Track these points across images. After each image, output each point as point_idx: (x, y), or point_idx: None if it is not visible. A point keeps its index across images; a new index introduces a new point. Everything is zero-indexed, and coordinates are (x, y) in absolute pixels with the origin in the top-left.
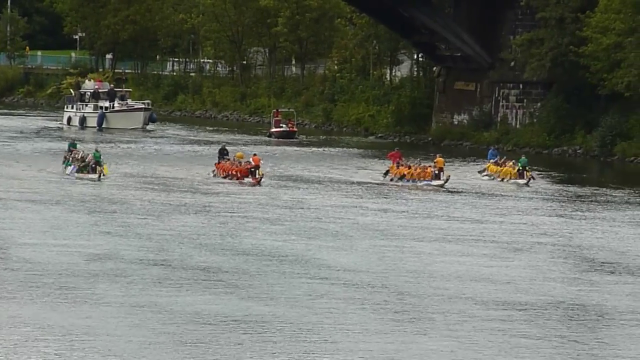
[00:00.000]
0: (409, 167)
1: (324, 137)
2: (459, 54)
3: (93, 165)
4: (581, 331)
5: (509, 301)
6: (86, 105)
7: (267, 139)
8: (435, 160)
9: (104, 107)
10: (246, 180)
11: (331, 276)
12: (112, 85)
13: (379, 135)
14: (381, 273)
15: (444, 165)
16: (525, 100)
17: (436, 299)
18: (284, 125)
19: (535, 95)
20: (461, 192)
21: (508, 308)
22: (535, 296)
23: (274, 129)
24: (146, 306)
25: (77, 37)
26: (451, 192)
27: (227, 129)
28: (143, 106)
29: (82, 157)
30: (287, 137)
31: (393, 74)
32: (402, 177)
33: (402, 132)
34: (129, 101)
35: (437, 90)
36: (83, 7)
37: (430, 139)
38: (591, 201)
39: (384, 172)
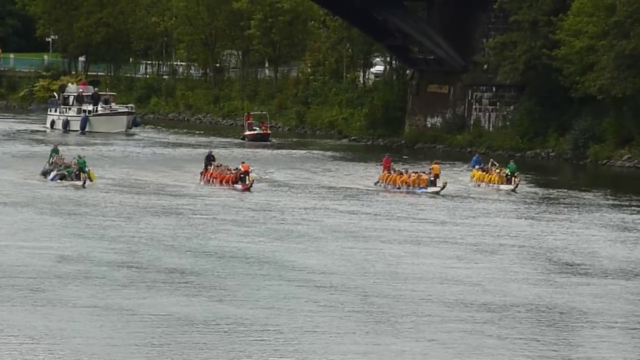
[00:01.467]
0: (402, 174)
1: (298, 139)
2: (432, 57)
3: (77, 172)
4: (548, 332)
5: (476, 302)
6: (69, 108)
7: (240, 141)
8: (431, 167)
9: (87, 111)
10: (236, 186)
11: (301, 278)
12: (96, 89)
13: (352, 138)
14: (350, 275)
15: (440, 172)
16: (498, 103)
17: (405, 300)
18: (257, 128)
19: (508, 98)
20: (437, 196)
21: (476, 309)
22: (503, 297)
23: (247, 132)
24: (116, 308)
25: (49, 39)
26: (425, 196)
27: (200, 131)
28: (127, 110)
29: (65, 164)
30: (260, 139)
31: (366, 76)
32: (393, 184)
33: (376, 135)
34: (113, 105)
35: (410, 93)
36: (56, 9)
37: (403, 141)
38: (562, 204)
39: (375, 181)
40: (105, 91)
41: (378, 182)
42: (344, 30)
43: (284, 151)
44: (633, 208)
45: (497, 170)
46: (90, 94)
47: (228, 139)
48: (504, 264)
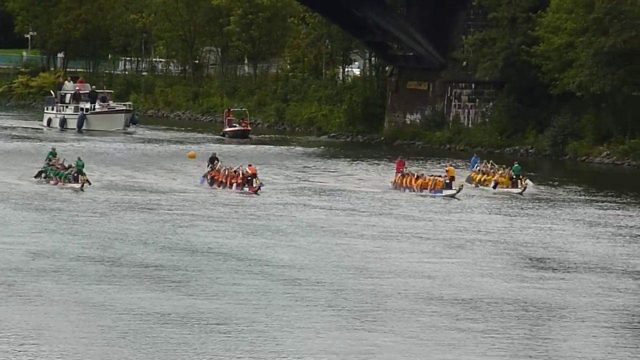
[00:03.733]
0: (418, 177)
1: (277, 136)
2: (411, 54)
3: (75, 174)
4: (520, 326)
5: (450, 297)
6: (67, 106)
7: (220, 137)
8: (446, 170)
9: (84, 109)
10: (243, 189)
11: (276, 273)
12: (93, 87)
13: (332, 134)
14: (326, 270)
15: (455, 174)
16: (477, 100)
17: (379, 295)
18: (237, 125)
19: (487, 95)
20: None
21: (449, 304)
22: (476, 292)
23: (227, 129)
24: (91, 303)
25: (28, 36)
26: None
27: (180, 128)
28: (124, 108)
29: (63, 167)
30: (241, 136)
31: (346, 73)
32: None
33: (355, 131)
34: (111, 103)
35: (389, 90)
36: (34, 5)
37: (382, 138)
38: (539, 199)
39: (390, 186)
40: (103, 89)
41: (393, 185)
42: (323, 26)
43: (265, 147)
44: (608, 204)
45: (500, 172)
46: (87, 91)
47: (208, 136)
48: (478, 259)
